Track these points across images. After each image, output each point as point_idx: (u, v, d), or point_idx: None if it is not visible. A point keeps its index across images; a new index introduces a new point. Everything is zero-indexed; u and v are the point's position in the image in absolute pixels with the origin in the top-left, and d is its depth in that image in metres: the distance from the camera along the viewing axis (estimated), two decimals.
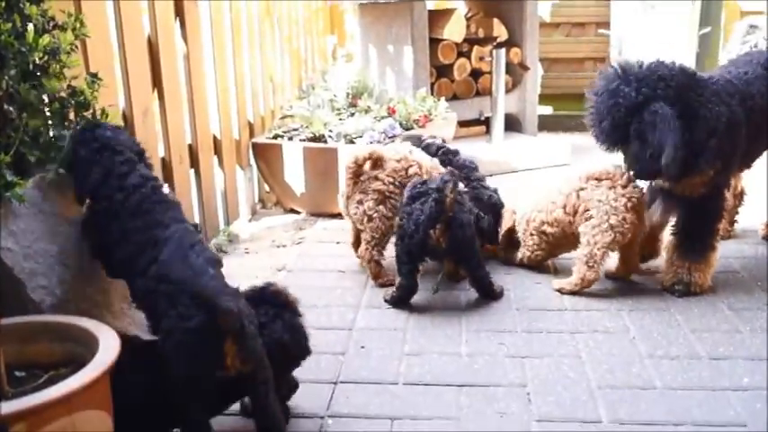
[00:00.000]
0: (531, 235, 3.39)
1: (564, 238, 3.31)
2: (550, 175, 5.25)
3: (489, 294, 3.15)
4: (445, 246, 3.01)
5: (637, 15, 6.54)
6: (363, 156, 3.37)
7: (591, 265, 3.11)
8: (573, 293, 3.17)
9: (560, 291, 3.20)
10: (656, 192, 3.28)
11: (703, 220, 3.16)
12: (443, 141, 4.01)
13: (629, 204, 3.09)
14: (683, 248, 3.16)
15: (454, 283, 3.33)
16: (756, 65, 3.22)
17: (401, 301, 3.10)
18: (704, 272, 3.14)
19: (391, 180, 3.36)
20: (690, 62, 6.41)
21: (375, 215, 3.33)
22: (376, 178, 3.36)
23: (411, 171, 3.40)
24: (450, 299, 3.19)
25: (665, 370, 2.52)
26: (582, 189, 3.19)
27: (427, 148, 3.78)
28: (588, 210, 3.15)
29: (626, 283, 3.29)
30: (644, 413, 2.27)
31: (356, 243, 3.55)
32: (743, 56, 3.44)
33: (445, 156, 3.76)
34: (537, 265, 3.48)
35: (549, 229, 3.32)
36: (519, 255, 3.50)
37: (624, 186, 3.12)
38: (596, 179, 3.19)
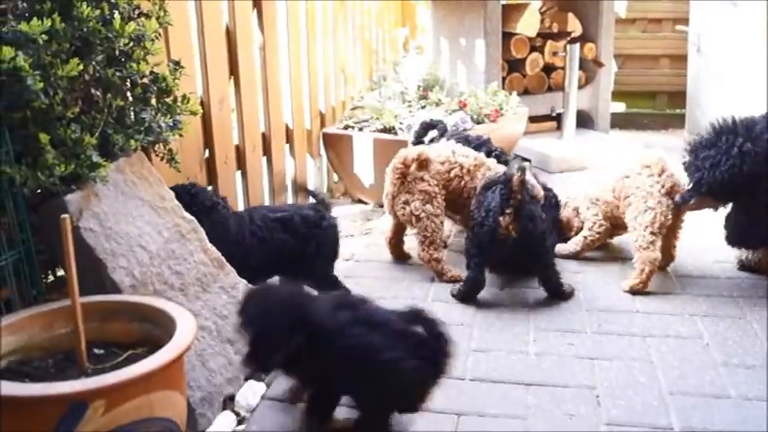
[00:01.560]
0: (592, 214, 3.52)
1: (614, 220, 3.45)
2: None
3: (558, 294, 3.10)
4: (515, 235, 2.97)
5: (717, 12, 6.35)
6: (411, 157, 3.37)
7: (645, 247, 3.15)
8: (643, 288, 3.15)
9: (631, 290, 3.16)
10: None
11: None
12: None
13: (662, 190, 3.18)
14: None
15: (522, 281, 3.29)
16: None
17: (468, 296, 3.08)
18: None
19: (435, 182, 3.37)
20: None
21: (422, 215, 3.33)
22: (422, 179, 3.36)
23: (453, 173, 3.41)
24: (519, 296, 3.16)
25: (739, 379, 2.45)
26: (627, 177, 3.32)
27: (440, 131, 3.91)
28: (628, 197, 3.29)
29: (699, 289, 3.20)
30: (717, 422, 2.20)
31: (393, 240, 3.60)
32: None
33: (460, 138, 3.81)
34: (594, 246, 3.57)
35: (603, 208, 3.47)
36: (574, 244, 3.56)
37: (659, 174, 3.21)
38: (641, 167, 3.29)
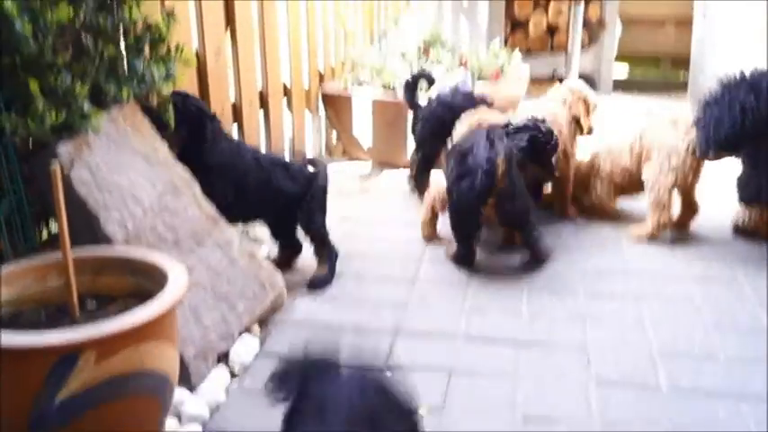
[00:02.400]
0: (601, 179, 3.51)
1: (629, 181, 3.42)
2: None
3: (537, 257, 3.07)
4: (498, 219, 2.99)
5: None
6: None
7: (662, 208, 3.18)
8: (652, 237, 3.25)
9: (638, 239, 3.25)
10: None
11: None
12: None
13: (689, 147, 3.12)
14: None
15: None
16: None
17: (461, 264, 3.08)
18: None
19: None
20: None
21: None
22: None
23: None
24: (513, 258, 3.15)
25: (729, 341, 2.46)
26: (646, 130, 3.30)
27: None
28: (649, 151, 3.25)
29: (693, 252, 3.20)
30: (706, 383, 2.22)
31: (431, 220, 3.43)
32: None
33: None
34: (603, 210, 3.55)
35: (616, 171, 3.44)
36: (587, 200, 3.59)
37: (686, 133, 3.15)
38: (669, 122, 3.24)
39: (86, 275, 1.88)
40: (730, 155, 3.12)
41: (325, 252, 2.92)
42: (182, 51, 2.43)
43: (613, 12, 6.03)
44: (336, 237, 3.09)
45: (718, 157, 3.11)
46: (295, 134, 4.24)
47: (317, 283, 2.84)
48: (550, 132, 3.08)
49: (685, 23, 6.88)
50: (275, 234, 3.02)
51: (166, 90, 2.42)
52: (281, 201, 2.84)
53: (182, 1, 2.90)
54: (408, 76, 3.99)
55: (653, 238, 3.23)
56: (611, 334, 2.51)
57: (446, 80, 4.39)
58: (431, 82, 3.89)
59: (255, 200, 2.80)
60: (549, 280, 2.93)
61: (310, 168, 2.98)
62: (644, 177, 3.26)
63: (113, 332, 1.57)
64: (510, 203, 2.92)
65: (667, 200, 3.18)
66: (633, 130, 3.40)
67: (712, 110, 3.02)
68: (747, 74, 2.99)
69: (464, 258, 3.04)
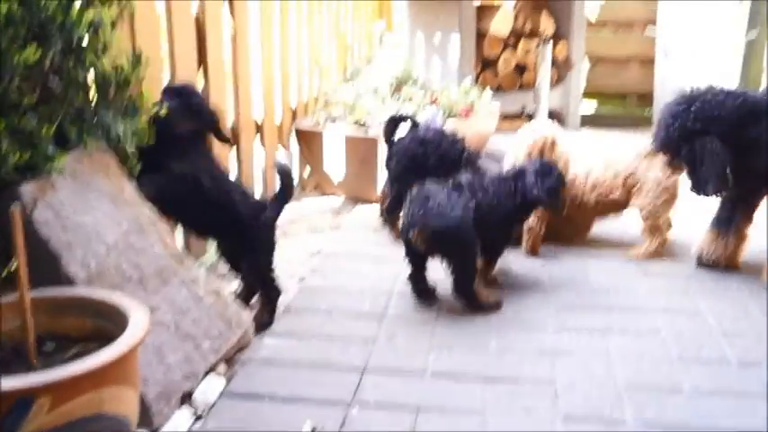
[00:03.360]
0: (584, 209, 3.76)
1: (608, 209, 3.75)
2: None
3: (469, 303, 3.00)
4: (424, 248, 2.96)
5: (684, 16, 6.41)
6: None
7: (659, 231, 3.58)
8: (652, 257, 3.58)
9: (636, 257, 3.57)
10: None
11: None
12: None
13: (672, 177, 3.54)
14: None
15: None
16: None
17: (417, 292, 3.10)
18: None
19: None
20: (736, 67, 6.28)
21: None
22: None
23: None
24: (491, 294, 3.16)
25: (694, 373, 2.48)
26: (637, 165, 3.64)
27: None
28: (636, 184, 3.61)
29: (659, 283, 3.25)
30: (671, 416, 2.23)
31: None
32: None
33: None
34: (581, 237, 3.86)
35: (601, 201, 3.71)
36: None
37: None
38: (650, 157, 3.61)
39: (45, 316, 1.86)
40: (674, 156, 3.30)
41: (267, 293, 2.87)
42: (143, 98, 2.43)
43: (580, 50, 6.13)
44: (306, 271, 3.09)
45: (672, 166, 3.38)
46: (267, 170, 4.25)
47: (257, 328, 2.76)
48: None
49: (649, 62, 7.03)
50: (232, 265, 2.99)
51: (130, 147, 2.42)
52: (232, 225, 2.81)
53: (153, 40, 2.91)
54: (391, 115, 3.99)
55: (657, 256, 3.57)
56: (578, 368, 2.51)
57: (418, 117, 4.43)
58: (414, 125, 3.90)
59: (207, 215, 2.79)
60: (517, 314, 2.94)
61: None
62: (638, 206, 3.60)
63: (70, 376, 1.54)
64: (436, 236, 2.92)
65: (662, 220, 3.56)
66: (622, 165, 3.67)
67: (659, 119, 3.34)
68: (688, 90, 3.29)
69: (415, 289, 3.08)
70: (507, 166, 3.56)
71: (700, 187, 3.20)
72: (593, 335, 2.76)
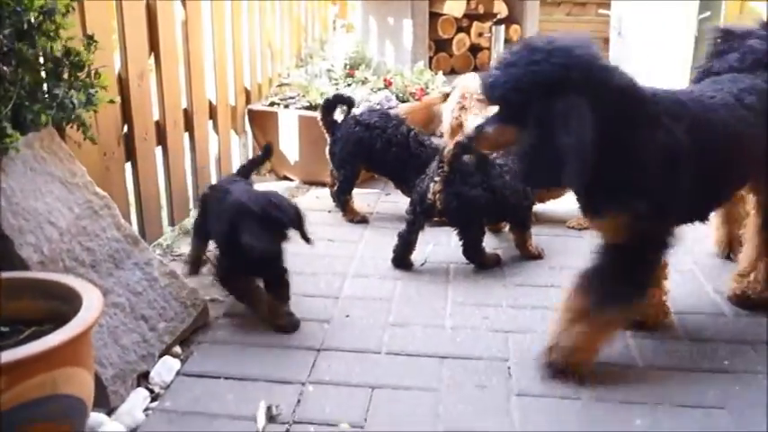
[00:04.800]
0: None
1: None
2: None
3: (478, 264, 3.26)
4: (440, 207, 3.17)
5: None
6: None
7: None
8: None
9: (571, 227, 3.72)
10: None
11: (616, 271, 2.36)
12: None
13: None
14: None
15: (442, 256, 3.35)
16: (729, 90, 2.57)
17: (399, 257, 3.27)
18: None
19: None
20: (688, 47, 6.39)
21: None
22: None
23: None
24: (439, 271, 3.22)
25: (646, 349, 2.55)
26: None
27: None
28: None
29: None
30: (623, 391, 2.29)
31: None
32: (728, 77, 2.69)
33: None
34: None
35: None
36: None
37: None
38: None
39: None
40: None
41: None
42: (99, 76, 2.42)
43: (533, 31, 6.19)
44: None
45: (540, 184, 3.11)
46: (221, 152, 4.24)
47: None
48: None
49: (603, 41, 7.12)
50: None
51: (86, 116, 2.41)
52: None
53: (104, 25, 2.88)
54: (328, 97, 4.02)
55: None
56: (532, 345, 2.56)
57: (371, 99, 4.45)
58: (350, 106, 3.93)
59: None
60: (472, 292, 2.99)
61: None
62: None
63: (22, 358, 1.55)
64: (455, 198, 3.17)
65: None
66: None
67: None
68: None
69: (404, 244, 3.27)
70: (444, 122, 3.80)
71: (543, 169, 2.21)
72: (547, 312, 2.82)
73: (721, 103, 2.47)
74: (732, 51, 2.77)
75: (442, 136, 4.89)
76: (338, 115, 4.00)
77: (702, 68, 2.86)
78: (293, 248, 3.39)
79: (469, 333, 2.66)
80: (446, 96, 4.96)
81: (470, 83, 3.92)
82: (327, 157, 3.97)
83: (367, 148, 3.80)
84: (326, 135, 3.96)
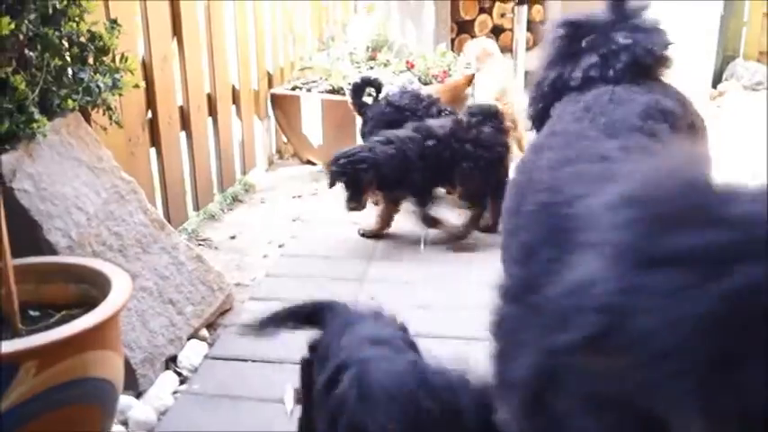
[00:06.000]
0: None
1: None
2: None
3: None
4: None
5: None
6: None
7: None
8: None
9: None
10: None
11: None
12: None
13: None
14: None
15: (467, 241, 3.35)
16: None
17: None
18: None
19: None
20: (714, 24, 6.32)
21: None
22: None
23: None
24: (465, 252, 3.22)
25: None
26: None
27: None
28: None
29: None
30: None
31: None
32: None
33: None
34: None
35: None
36: None
37: None
38: None
39: (29, 284, 1.88)
40: None
41: None
42: (125, 60, 2.43)
43: (556, 12, 6.13)
44: (286, 238, 3.11)
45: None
46: (244, 137, 4.25)
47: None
48: None
49: None
50: None
51: (112, 99, 2.43)
52: None
53: (127, 10, 2.89)
54: (356, 80, 4.01)
55: None
56: None
57: (393, 82, 4.43)
58: (378, 88, 3.92)
59: None
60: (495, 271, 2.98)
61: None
62: None
63: (54, 341, 1.57)
64: None
65: None
66: None
67: None
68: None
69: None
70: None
71: None
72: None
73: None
74: (588, 53, 1.76)
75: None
76: (366, 97, 3.99)
77: (545, 84, 1.88)
78: (318, 232, 3.44)
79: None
80: (470, 79, 4.96)
81: (485, 43, 4.21)
82: (360, 138, 3.96)
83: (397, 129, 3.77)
84: (358, 116, 3.95)
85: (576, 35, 1.81)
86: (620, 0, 1.79)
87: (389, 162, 3.20)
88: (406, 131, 3.38)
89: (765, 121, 5.58)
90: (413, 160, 3.26)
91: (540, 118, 1.84)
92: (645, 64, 1.71)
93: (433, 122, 3.48)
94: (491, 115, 3.43)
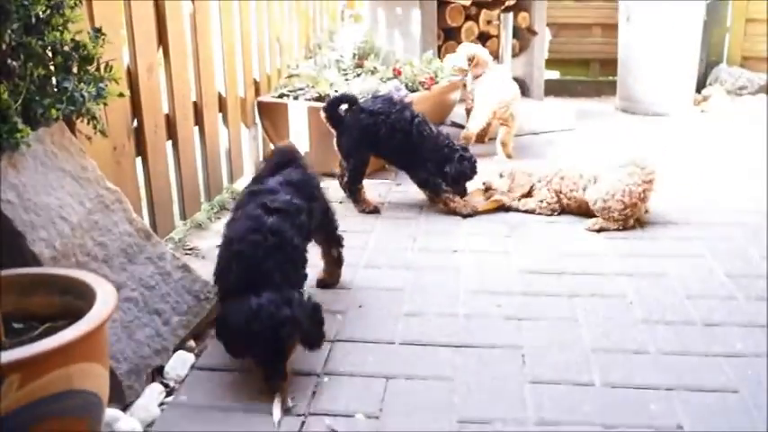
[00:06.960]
0: (550, 195, 3.80)
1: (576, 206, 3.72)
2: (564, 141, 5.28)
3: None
4: None
5: None
6: None
7: (612, 221, 3.55)
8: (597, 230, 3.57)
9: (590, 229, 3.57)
10: None
11: None
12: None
13: (639, 195, 3.52)
14: None
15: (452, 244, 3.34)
16: None
17: None
18: None
19: None
20: (697, 30, 6.37)
21: None
22: None
23: None
24: (451, 260, 3.21)
25: (659, 335, 2.54)
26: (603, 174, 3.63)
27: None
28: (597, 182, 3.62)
29: (626, 247, 3.32)
30: (636, 377, 2.28)
31: None
32: None
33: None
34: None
35: (565, 201, 3.78)
36: (532, 204, 3.84)
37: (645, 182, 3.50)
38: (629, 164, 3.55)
39: (12, 296, 1.86)
40: None
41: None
42: (110, 69, 2.42)
43: (542, 18, 6.15)
44: None
45: None
46: (231, 145, 4.23)
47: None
48: None
49: (611, 27, 7.10)
50: None
51: (96, 110, 2.40)
52: None
53: (112, 18, 2.87)
54: (331, 97, 4.01)
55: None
56: (545, 333, 2.56)
57: (380, 89, 4.44)
58: (353, 103, 3.91)
59: None
60: (484, 280, 2.99)
61: None
62: (591, 198, 3.59)
63: (37, 354, 1.55)
64: None
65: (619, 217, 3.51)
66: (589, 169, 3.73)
67: None
68: None
69: None
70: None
71: None
72: (560, 299, 2.81)
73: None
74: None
75: (453, 124, 4.90)
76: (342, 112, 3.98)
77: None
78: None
79: (483, 321, 2.65)
80: (456, 86, 4.97)
81: (478, 50, 4.49)
82: (335, 149, 3.95)
83: (373, 135, 3.80)
84: (333, 130, 3.94)
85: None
86: None
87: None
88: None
89: (765, 123, 5.65)
90: None
91: None
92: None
93: None
94: None
